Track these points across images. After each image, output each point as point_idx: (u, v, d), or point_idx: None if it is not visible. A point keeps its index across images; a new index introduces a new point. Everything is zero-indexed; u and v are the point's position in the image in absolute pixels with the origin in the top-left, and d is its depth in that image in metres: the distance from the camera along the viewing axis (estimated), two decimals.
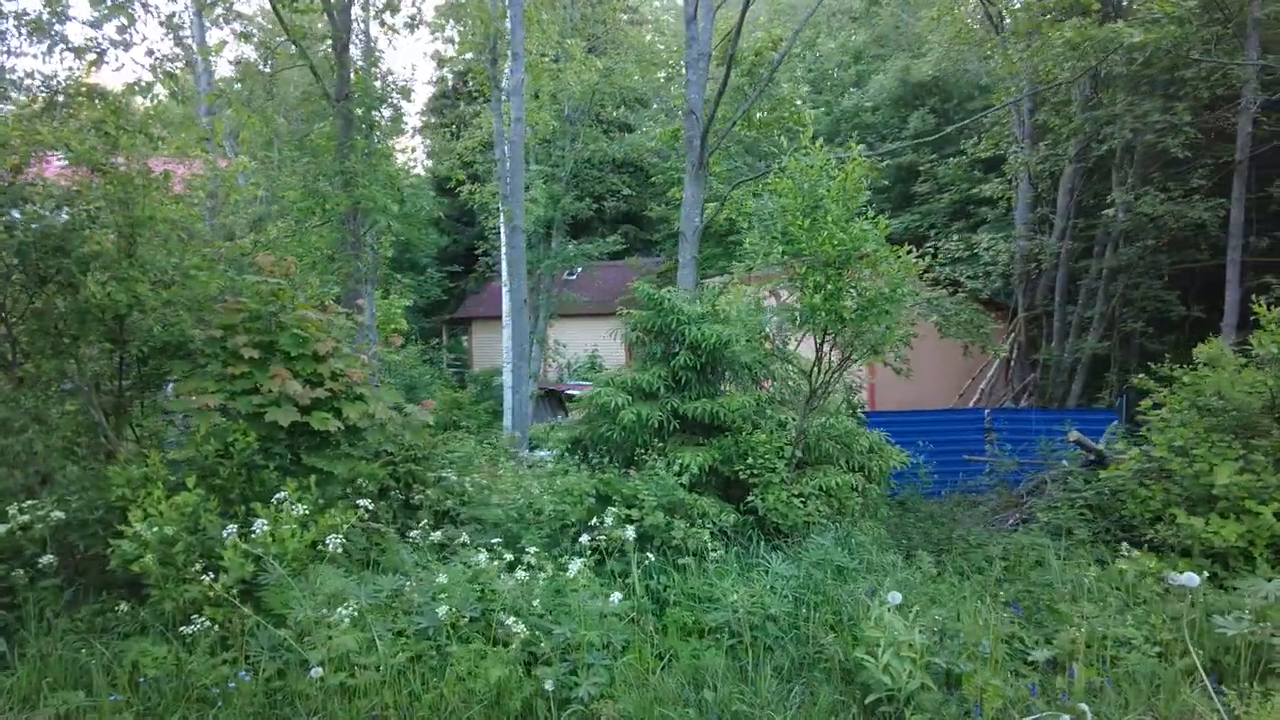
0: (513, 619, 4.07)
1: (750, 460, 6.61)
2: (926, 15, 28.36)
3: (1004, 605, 5.19)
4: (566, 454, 7.90)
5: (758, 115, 11.80)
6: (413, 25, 9.95)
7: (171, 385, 6.78)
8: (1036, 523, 8.19)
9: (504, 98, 15.13)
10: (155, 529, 4.65)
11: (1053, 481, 8.97)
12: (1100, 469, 8.55)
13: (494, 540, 5.84)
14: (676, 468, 6.59)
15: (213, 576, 4.50)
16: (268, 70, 10.90)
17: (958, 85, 24.90)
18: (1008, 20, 16.11)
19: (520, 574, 4.68)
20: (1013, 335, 16.12)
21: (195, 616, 4.49)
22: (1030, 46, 10.65)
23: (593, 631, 4.15)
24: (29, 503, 4.98)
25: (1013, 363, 16.34)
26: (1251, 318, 7.05)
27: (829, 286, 5.52)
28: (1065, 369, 15.57)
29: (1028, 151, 14.53)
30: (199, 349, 6.26)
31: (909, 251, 5.77)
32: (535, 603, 4.44)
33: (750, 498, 6.46)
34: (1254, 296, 7.28)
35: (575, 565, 4.37)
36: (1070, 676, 4.24)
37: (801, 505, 6.38)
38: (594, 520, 6.20)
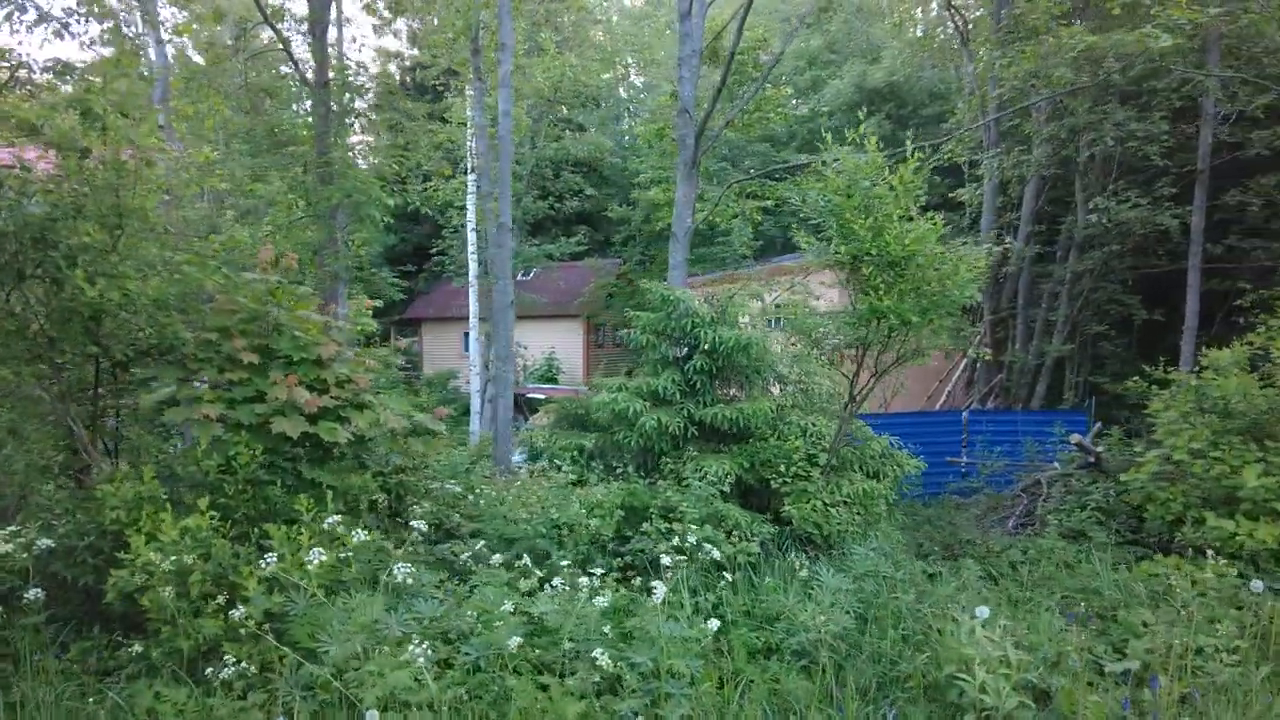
0: (600, 650, 3.73)
1: (783, 468, 6.39)
2: (883, 22, 29.03)
3: (1057, 614, 5.11)
4: (574, 462, 7.54)
5: (741, 116, 11.67)
6: (397, 10, 9.42)
7: (160, 392, 6.16)
8: (1041, 525, 8.24)
9: (471, 92, 14.65)
10: (168, 556, 4.14)
11: (1049, 484, 9.06)
12: (1098, 471, 8.67)
13: (505, 556, 5.51)
14: (711, 476, 6.32)
15: (240, 610, 4.02)
16: (238, 56, 10.16)
17: (912, 92, 25.40)
18: (972, 26, 16.45)
19: (582, 595, 4.34)
20: (979, 338, 16.42)
21: (216, 655, 4.01)
22: (1020, 52, 10.77)
23: (678, 659, 3.85)
24: (7, 529, 4.38)
25: (979, 365, 16.65)
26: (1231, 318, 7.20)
27: (899, 287, 5.35)
28: (1029, 371, 15.95)
29: (999, 156, 14.80)
30: (191, 353, 5.70)
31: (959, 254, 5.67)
32: (606, 628, 4.11)
33: (786, 507, 6.24)
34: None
35: (660, 589, 4.05)
36: (1154, 688, 4.15)
37: (837, 514, 6.20)
38: (624, 533, 5.92)
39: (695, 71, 10.48)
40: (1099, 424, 10.72)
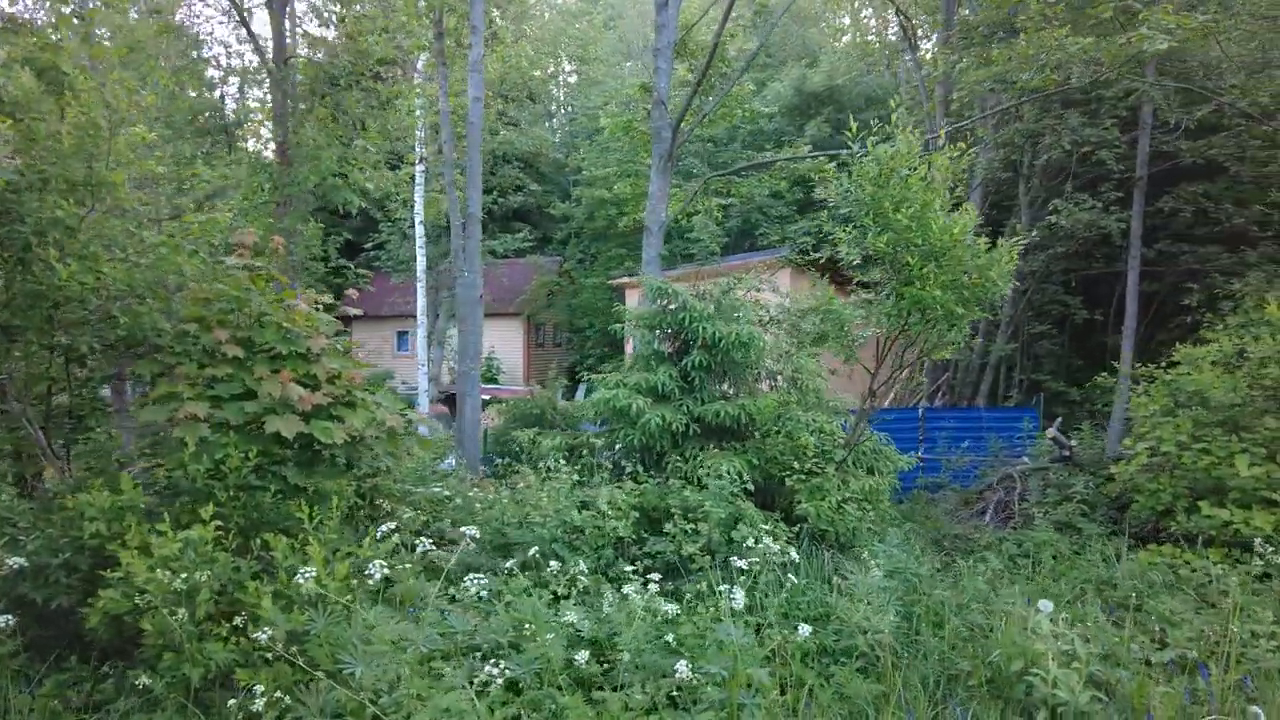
0: (684, 663, 3.47)
1: (797, 465, 6.25)
2: (824, 26, 29.57)
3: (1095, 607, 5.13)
4: (569, 462, 7.22)
5: (717, 110, 11.54)
6: None
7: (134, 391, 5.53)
8: (1023, 518, 8.40)
9: (417, 78, 14.06)
10: (172, 574, 3.64)
11: (1022, 478, 9.27)
12: (1072, 465, 8.92)
13: (511, 562, 5.18)
14: (728, 474, 6.12)
15: (266, 632, 3.56)
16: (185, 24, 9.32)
17: (850, 96, 25.94)
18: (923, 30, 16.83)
19: (635, 601, 4.06)
20: None
21: (227, 683, 3.55)
22: (984, 57, 11.03)
23: (751, 668, 3.62)
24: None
25: (925, 363, 17.07)
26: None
27: (942, 278, 5.27)
28: (974, 369, 16.45)
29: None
30: (167, 345, 5.13)
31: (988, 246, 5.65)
32: (669, 637, 3.85)
33: (803, 505, 6.10)
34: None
35: (738, 595, 3.80)
36: (1204, 677, 4.19)
37: (849, 511, 6.10)
38: (638, 535, 5.67)
39: (671, 63, 10.29)
40: (1059, 419, 11.07)
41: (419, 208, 15.95)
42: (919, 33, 16.19)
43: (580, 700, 3.79)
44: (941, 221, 5.25)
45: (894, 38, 27.45)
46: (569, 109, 36.52)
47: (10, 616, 3.67)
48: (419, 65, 14.74)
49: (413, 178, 16.13)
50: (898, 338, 6.10)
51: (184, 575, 3.61)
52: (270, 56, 8.13)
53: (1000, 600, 4.70)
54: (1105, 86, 11.78)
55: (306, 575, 3.58)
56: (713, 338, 7.11)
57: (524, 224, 29.63)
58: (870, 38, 26.01)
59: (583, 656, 3.59)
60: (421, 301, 17.26)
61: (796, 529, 6.25)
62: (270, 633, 3.54)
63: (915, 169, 5.43)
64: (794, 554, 5.02)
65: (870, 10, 27.35)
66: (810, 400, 7.58)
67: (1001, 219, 16.40)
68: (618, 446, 7.07)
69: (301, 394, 5.09)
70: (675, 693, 3.77)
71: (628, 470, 6.63)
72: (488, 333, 28.24)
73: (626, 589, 4.30)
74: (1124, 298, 13.55)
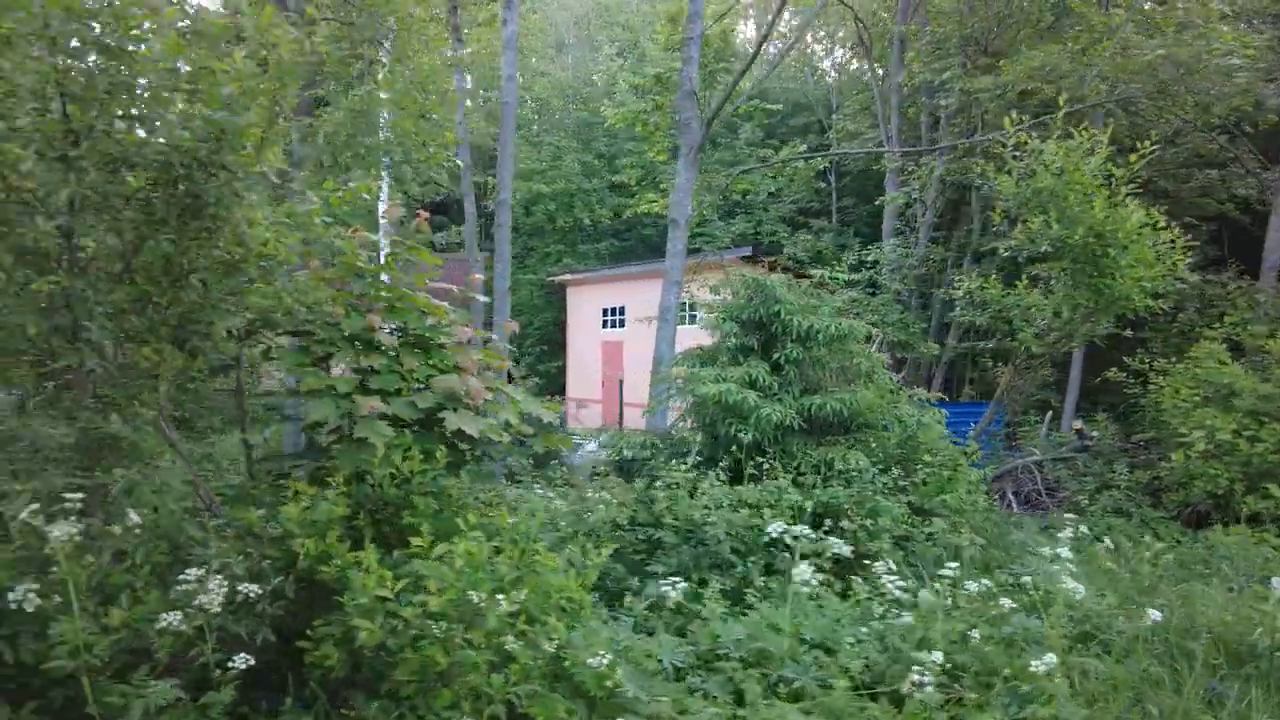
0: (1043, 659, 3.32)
1: (928, 457, 6.26)
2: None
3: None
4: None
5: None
6: None
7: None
8: (1059, 504, 8.84)
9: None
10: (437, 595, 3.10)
11: (1039, 467, 9.77)
12: (1093, 455, 9.49)
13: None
14: (857, 468, 6.02)
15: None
16: None
17: (773, 98, 26.60)
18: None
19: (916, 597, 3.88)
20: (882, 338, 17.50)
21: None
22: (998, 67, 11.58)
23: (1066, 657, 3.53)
24: (195, 575, 3.07)
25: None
26: None
27: (1137, 272, 5.39)
28: (925, 365, 17.26)
29: (912, 169, 15.85)
30: (311, 330, 4.45)
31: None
32: (975, 633, 3.69)
33: (941, 496, 6.09)
34: None
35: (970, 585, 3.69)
36: None
37: (981, 500, 6.18)
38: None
39: (699, 53, 10.11)
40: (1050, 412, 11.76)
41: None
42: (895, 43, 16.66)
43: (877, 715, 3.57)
44: (1136, 214, 5.42)
45: (820, 47, 28.47)
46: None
47: (249, 656, 3.00)
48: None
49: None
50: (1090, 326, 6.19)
51: (451, 595, 3.08)
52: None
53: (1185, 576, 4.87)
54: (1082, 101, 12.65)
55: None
56: (808, 331, 7.02)
57: (444, 217, 28.41)
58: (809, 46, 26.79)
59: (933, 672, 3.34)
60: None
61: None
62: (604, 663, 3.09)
63: (1089, 164, 5.58)
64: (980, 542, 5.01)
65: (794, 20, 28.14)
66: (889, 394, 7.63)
67: (953, 223, 17.30)
68: (717, 443, 6.83)
69: (476, 387, 4.58)
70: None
71: (724, 465, 6.35)
72: None
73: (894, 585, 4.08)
74: None
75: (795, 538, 4.13)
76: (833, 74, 27.33)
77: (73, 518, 2.73)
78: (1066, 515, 8.63)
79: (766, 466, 6.07)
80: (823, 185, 21.65)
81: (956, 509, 6.05)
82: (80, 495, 2.82)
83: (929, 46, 14.63)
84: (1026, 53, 10.45)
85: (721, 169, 16.30)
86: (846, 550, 4.23)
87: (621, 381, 16.39)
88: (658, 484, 5.72)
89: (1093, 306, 6.02)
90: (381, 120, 6.65)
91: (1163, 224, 5.70)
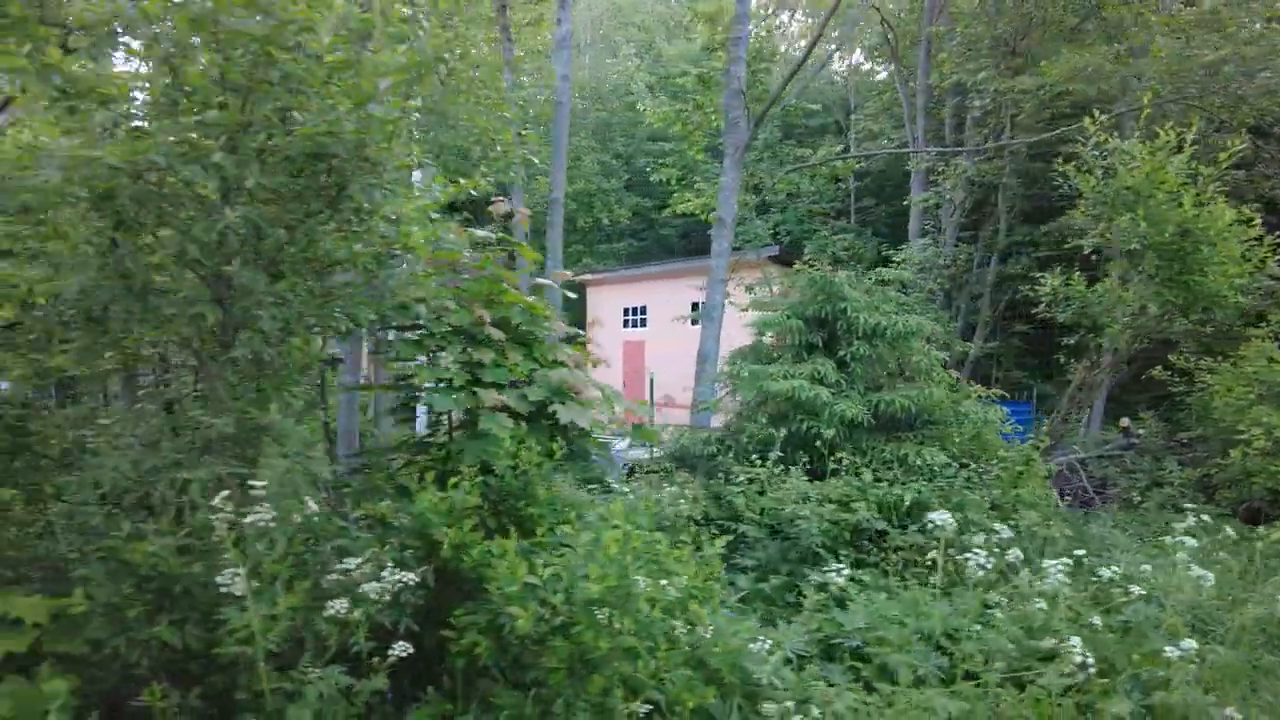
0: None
1: (1004, 452, 6.31)
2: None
3: None
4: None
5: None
6: None
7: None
8: (1105, 500, 8.89)
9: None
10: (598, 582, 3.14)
11: (1083, 465, 9.83)
12: (1141, 452, 9.55)
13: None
14: (934, 464, 6.07)
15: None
16: None
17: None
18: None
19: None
20: None
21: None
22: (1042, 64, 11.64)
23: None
24: (355, 564, 3.12)
25: None
26: None
27: (1230, 269, 5.45)
28: (951, 364, 17.30)
29: (940, 168, 15.91)
30: (421, 324, 4.50)
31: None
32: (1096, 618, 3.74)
33: (1016, 490, 6.15)
34: None
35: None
36: None
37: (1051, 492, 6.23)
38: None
39: (745, 52, 10.17)
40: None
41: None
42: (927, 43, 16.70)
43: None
44: (1228, 212, 5.48)
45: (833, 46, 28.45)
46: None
47: (406, 644, 3.04)
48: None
49: None
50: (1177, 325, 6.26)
51: (610, 582, 3.12)
52: None
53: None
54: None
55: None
56: (874, 328, 7.07)
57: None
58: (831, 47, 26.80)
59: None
60: None
61: None
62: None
63: (1173, 163, 5.64)
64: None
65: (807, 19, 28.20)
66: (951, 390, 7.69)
67: (979, 222, 17.37)
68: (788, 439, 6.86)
69: (580, 380, 4.64)
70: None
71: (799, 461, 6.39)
72: None
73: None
74: None
75: (935, 525, 4.08)
76: (842, 76, 27.34)
77: (258, 505, 2.78)
78: (1116, 511, 8.72)
79: (847, 462, 6.11)
80: (840, 186, 21.69)
81: (1031, 503, 6.10)
82: (259, 483, 2.86)
83: (959, 48, 14.71)
84: (1067, 53, 10.53)
85: (745, 169, 16.33)
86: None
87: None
88: (733, 479, 5.77)
89: (1181, 303, 6.09)
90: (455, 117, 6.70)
91: (1257, 221, 5.77)
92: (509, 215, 4.98)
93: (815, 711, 3.08)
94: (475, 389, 4.23)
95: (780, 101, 11.23)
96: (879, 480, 6.01)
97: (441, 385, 4.22)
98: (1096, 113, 6.19)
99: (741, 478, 5.76)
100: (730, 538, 5.51)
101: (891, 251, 15.47)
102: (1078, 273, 6.96)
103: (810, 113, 22.22)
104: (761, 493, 5.70)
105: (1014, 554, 3.85)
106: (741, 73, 9.98)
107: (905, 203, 18.28)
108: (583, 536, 3.39)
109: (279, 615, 2.89)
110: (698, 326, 10.48)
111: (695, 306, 15.88)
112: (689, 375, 10.04)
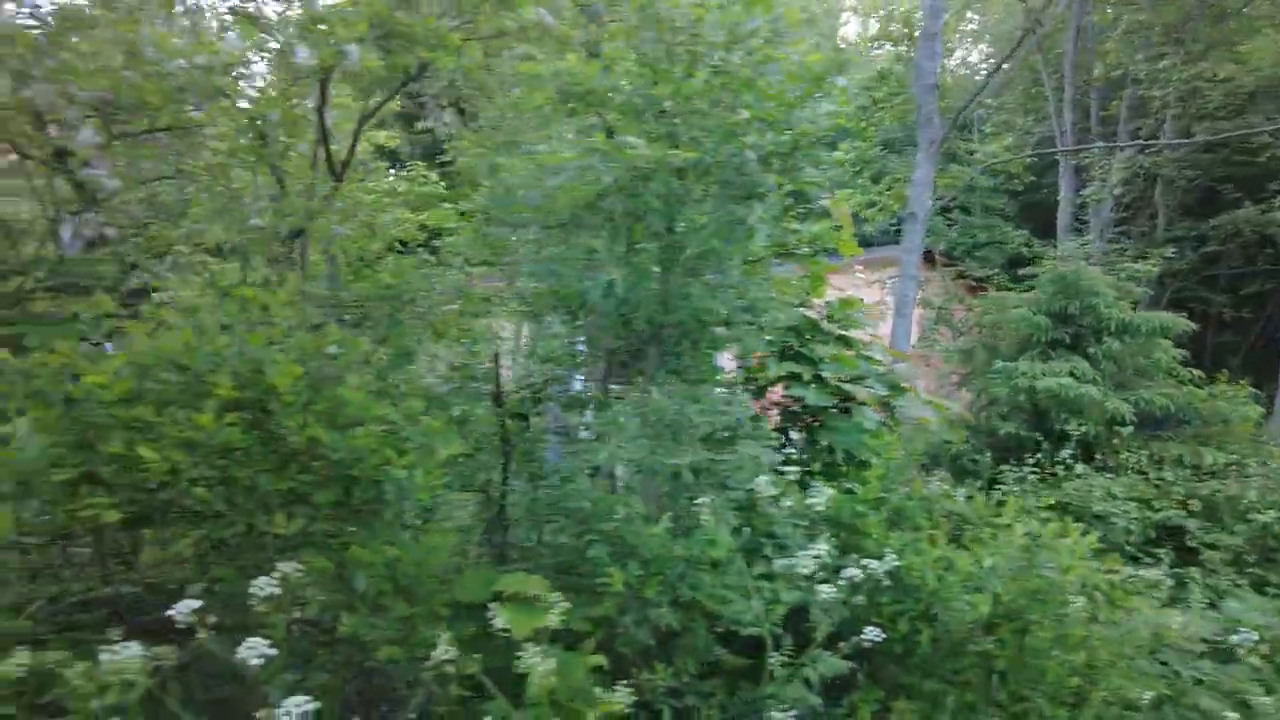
0: None
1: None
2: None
3: None
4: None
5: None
6: None
7: None
8: None
9: None
10: None
11: None
12: None
13: None
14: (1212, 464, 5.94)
15: None
16: None
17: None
18: None
19: None
20: None
21: None
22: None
23: None
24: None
25: None
26: None
27: None
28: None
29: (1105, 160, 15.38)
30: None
31: None
32: None
33: None
34: None
35: None
36: None
37: None
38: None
39: (940, 47, 10.07)
40: None
41: None
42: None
43: None
44: None
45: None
46: None
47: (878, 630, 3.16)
48: None
49: None
50: None
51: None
52: None
53: None
54: None
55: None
56: (1127, 324, 6.94)
57: None
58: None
59: None
60: None
61: None
62: None
63: None
64: None
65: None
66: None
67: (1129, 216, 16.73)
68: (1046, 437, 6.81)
69: (907, 376, 4.69)
70: None
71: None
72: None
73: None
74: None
75: None
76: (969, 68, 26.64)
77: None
78: None
79: (1130, 460, 6.04)
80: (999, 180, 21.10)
81: None
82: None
83: (1125, 36, 14.19)
84: (1272, 35, 10.08)
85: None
86: None
87: None
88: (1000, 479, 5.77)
89: None
90: None
91: None
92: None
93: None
94: (840, 384, 4.34)
95: (977, 100, 11.07)
96: (1162, 479, 5.92)
97: (810, 383, 4.35)
98: None
99: (1016, 475, 5.74)
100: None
101: (1044, 247, 15.03)
102: None
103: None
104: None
105: None
106: (935, 67, 9.89)
107: (1040, 195, 17.73)
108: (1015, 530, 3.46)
109: (781, 602, 3.05)
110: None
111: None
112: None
